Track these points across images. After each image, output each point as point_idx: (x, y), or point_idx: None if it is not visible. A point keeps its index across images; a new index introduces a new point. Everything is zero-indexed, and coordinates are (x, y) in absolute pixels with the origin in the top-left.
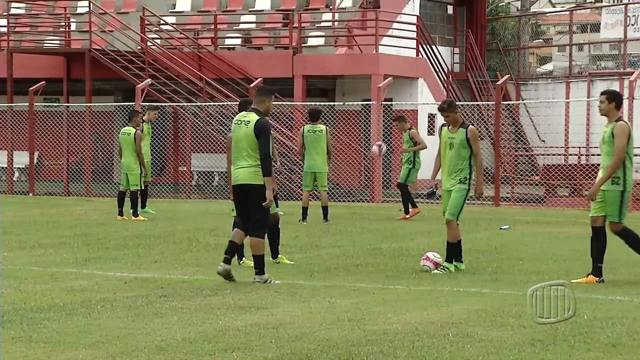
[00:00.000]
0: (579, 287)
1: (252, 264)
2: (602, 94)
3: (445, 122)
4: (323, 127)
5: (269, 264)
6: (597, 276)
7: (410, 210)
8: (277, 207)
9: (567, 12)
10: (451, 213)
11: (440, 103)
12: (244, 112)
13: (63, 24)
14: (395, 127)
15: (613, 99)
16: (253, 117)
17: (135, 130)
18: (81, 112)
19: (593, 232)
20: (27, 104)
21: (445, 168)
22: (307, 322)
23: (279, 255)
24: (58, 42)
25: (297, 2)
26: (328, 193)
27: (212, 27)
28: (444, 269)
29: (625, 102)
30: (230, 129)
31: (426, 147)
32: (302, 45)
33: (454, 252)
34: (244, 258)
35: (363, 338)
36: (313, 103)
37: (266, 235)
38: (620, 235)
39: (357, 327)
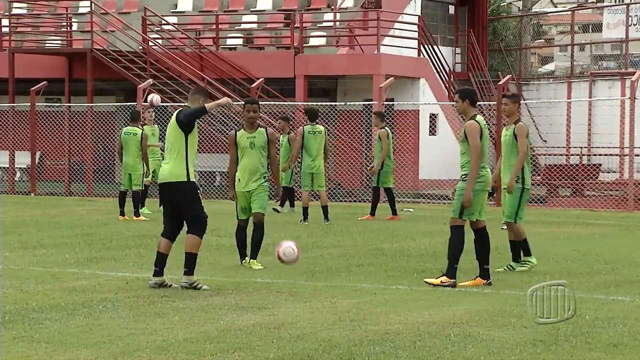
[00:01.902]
0: (581, 287)
1: (258, 266)
2: (454, 93)
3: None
4: (322, 127)
5: (270, 265)
6: (484, 278)
7: (372, 214)
8: (282, 206)
9: (569, 12)
10: (507, 215)
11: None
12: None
13: (65, 24)
14: (372, 121)
15: (465, 96)
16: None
17: (142, 130)
18: (83, 112)
19: (474, 234)
20: (29, 104)
21: (502, 164)
22: (308, 322)
23: (253, 260)
24: (60, 42)
25: (299, 2)
26: (329, 193)
27: (214, 27)
28: (511, 268)
29: (627, 102)
30: (231, 128)
31: (385, 154)
32: (304, 45)
33: (519, 250)
34: (247, 258)
35: (365, 338)
36: (315, 103)
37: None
38: (452, 229)
39: (358, 327)
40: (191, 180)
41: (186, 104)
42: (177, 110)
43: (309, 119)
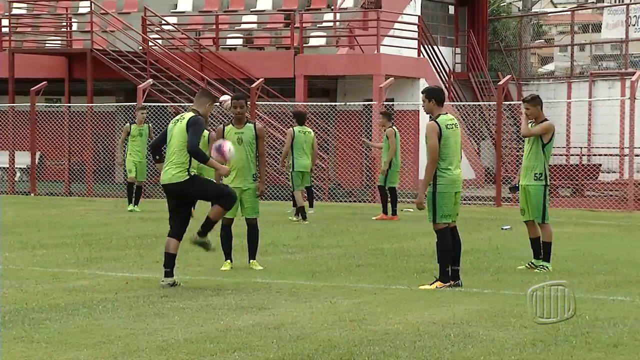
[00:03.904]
0: (581, 287)
1: (258, 267)
2: (422, 92)
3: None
4: (310, 129)
5: (270, 265)
6: (444, 282)
7: (385, 213)
8: (312, 207)
9: (569, 13)
10: (536, 216)
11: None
12: (181, 114)
13: (64, 24)
14: (379, 122)
15: (431, 96)
16: (188, 115)
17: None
18: (83, 112)
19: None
20: (29, 104)
21: (523, 163)
22: (308, 323)
23: (253, 260)
24: (59, 42)
25: (299, 2)
26: (329, 193)
27: (214, 27)
28: (543, 268)
29: (627, 102)
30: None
31: (393, 153)
32: (304, 45)
33: (549, 250)
34: (231, 259)
35: (364, 338)
36: (314, 103)
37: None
38: (436, 233)
39: (358, 328)
40: (192, 174)
41: (184, 103)
42: (190, 117)
43: (297, 122)
